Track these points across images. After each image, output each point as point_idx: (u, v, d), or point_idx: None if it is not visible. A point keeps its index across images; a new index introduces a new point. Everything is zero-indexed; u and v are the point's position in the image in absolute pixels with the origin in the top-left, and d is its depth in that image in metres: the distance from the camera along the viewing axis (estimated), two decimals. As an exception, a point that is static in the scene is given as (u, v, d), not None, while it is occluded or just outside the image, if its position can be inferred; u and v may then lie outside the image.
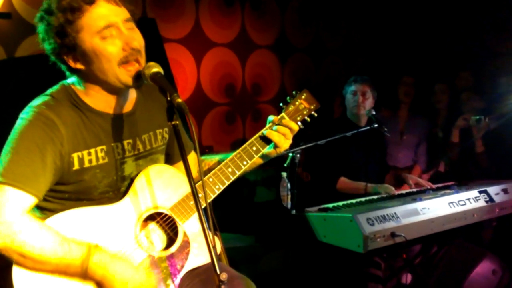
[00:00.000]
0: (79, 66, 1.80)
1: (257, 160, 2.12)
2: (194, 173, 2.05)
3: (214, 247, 1.58)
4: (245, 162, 2.06)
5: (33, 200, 1.72)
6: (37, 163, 1.71)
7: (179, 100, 1.65)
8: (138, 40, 1.80)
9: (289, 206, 3.23)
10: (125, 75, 1.79)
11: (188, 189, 1.93)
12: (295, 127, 2.11)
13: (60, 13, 1.73)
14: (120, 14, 1.78)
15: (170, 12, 4.98)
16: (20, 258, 1.66)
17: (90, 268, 1.70)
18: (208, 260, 1.78)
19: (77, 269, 1.69)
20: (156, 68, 1.78)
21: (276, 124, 2.10)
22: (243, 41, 5.58)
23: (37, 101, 1.80)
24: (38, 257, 1.65)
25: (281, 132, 2.07)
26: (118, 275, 1.73)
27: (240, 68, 5.60)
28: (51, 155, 1.74)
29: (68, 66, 1.82)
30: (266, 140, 2.09)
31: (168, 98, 1.67)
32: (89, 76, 1.83)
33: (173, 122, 1.69)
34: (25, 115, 1.77)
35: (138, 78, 1.80)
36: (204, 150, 4.72)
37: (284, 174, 3.26)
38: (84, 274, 1.71)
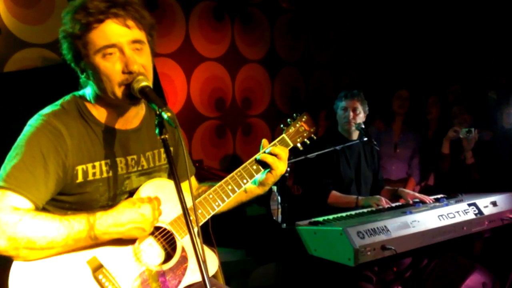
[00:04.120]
0: (86, 77, 1.84)
1: (255, 189, 2.17)
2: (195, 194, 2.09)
3: (205, 263, 1.56)
4: (245, 181, 2.08)
5: (31, 206, 1.72)
6: (40, 171, 1.72)
7: (169, 114, 1.64)
8: (138, 64, 1.78)
9: (279, 219, 3.22)
10: (122, 94, 1.79)
11: (189, 204, 1.93)
12: (285, 151, 2.13)
13: (72, 24, 1.76)
14: (126, 35, 1.77)
15: (160, 26, 4.97)
16: (27, 251, 1.64)
17: (99, 235, 1.72)
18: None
19: (87, 241, 1.71)
20: (145, 82, 1.77)
21: (269, 147, 2.13)
22: (233, 55, 5.61)
23: (47, 110, 1.83)
24: (44, 244, 1.65)
25: (274, 154, 2.10)
26: (130, 224, 1.75)
27: (230, 82, 5.62)
28: (54, 165, 1.75)
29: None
30: (262, 164, 2.11)
31: (157, 112, 1.66)
32: (95, 88, 1.85)
33: (162, 136, 1.68)
34: (33, 122, 1.78)
35: (131, 95, 1.79)
36: (195, 164, 4.70)
37: (275, 188, 3.26)
38: (96, 242, 1.73)
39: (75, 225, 1.69)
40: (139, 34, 1.81)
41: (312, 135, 2.28)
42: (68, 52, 1.81)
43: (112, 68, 1.76)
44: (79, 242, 1.70)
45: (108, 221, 1.73)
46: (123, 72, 1.76)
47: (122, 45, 1.76)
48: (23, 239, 1.63)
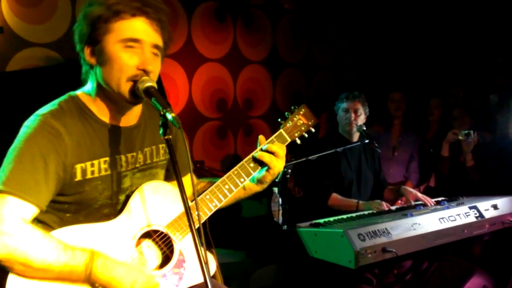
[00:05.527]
0: (93, 61, 1.83)
1: (254, 187, 2.13)
2: (192, 192, 2.03)
3: (207, 264, 1.55)
4: (242, 179, 2.03)
5: (35, 210, 1.71)
6: (40, 173, 1.70)
7: (173, 114, 1.65)
8: (153, 66, 1.81)
9: (280, 221, 3.22)
10: (126, 89, 1.80)
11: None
12: (282, 149, 2.07)
13: (103, 7, 1.77)
14: (152, 37, 1.81)
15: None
16: (22, 267, 1.63)
17: (94, 273, 1.68)
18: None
19: (81, 275, 1.68)
20: (149, 82, 1.77)
21: (266, 144, 2.07)
22: (235, 56, 5.61)
23: (44, 110, 1.80)
24: (40, 265, 1.64)
25: (271, 152, 2.04)
26: (124, 277, 1.72)
27: (231, 83, 5.62)
28: (54, 165, 1.73)
29: (85, 61, 1.85)
30: (259, 162, 2.06)
31: (162, 112, 1.67)
32: (97, 79, 1.84)
33: (166, 137, 1.68)
34: (30, 123, 1.76)
35: (135, 93, 1.80)
36: (196, 165, 4.71)
37: (276, 189, 3.26)
38: (88, 279, 1.69)
39: (77, 255, 1.68)
40: (160, 41, 1.85)
41: (311, 128, 2.20)
42: (84, 31, 1.80)
43: (128, 60, 1.77)
44: (73, 274, 1.68)
45: (108, 263, 1.71)
46: (138, 68, 1.78)
47: (145, 44, 1.79)
48: (21, 256, 1.62)
